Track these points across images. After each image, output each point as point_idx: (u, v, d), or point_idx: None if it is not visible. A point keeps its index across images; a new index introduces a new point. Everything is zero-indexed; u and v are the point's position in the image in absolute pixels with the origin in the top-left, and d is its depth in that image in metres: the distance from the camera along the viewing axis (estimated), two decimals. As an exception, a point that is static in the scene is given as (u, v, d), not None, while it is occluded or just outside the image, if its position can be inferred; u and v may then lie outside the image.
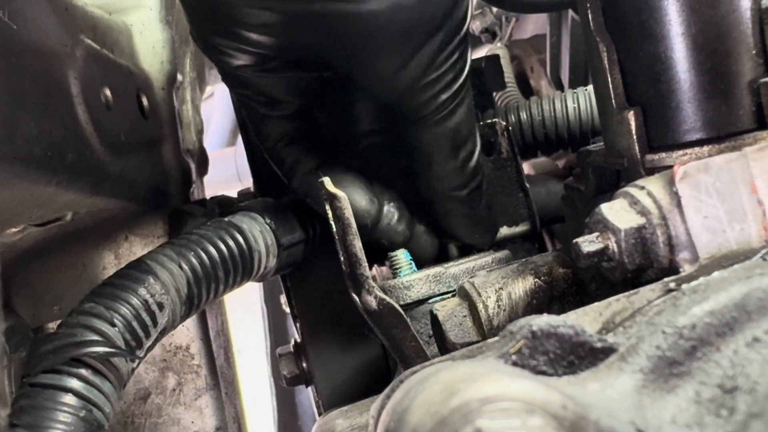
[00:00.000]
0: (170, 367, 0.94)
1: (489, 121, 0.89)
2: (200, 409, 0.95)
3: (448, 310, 0.61)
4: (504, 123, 0.88)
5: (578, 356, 0.31)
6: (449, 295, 0.68)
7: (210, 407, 0.96)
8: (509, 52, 1.65)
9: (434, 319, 0.61)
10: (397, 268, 0.70)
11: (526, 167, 1.26)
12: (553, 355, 0.31)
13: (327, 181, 0.53)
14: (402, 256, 0.70)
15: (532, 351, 0.31)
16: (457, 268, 0.70)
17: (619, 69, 0.46)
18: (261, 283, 2.24)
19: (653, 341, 0.30)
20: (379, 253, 0.95)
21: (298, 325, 1.03)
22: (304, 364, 1.03)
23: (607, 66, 0.46)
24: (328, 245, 0.94)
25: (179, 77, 1.03)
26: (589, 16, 0.47)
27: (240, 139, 2.21)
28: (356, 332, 0.98)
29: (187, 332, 0.95)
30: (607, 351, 0.31)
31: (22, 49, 0.61)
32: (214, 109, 2.19)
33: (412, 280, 0.67)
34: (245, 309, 2.49)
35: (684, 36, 0.43)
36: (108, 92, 0.77)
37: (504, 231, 0.91)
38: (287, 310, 1.46)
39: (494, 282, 0.60)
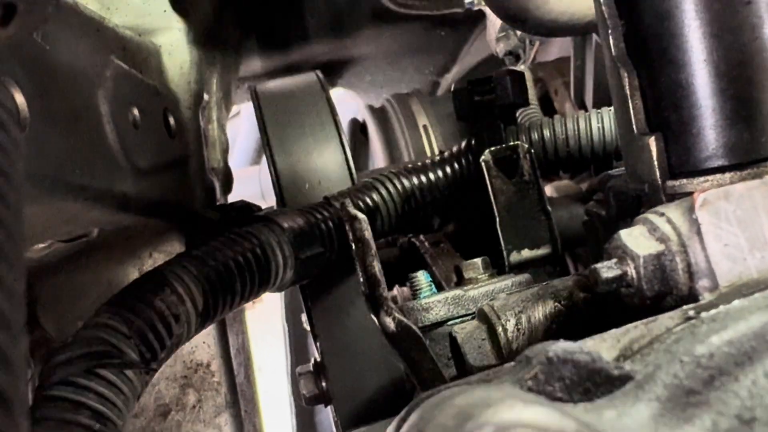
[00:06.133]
0: (191, 384, 0.95)
1: (511, 143, 0.89)
2: (219, 426, 0.96)
3: (467, 332, 0.61)
4: (526, 146, 0.88)
5: (594, 383, 0.31)
6: (468, 317, 0.68)
7: (229, 425, 0.96)
8: (533, 74, 1.65)
9: (453, 341, 0.61)
10: (416, 290, 0.70)
11: (549, 190, 1.26)
12: (569, 381, 0.31)
13: (348, 203, 0.53)
14: (422, 277, 0.70)
15: (548, 377, 0.31)
16: (476, 291, 0.70)
17: (640, 95, 0.46)
18: (283, 302, 2.24)
19: (671, 369, 0.30)
20: (400, 274, 0.95)
21: (317, 344, 1.03)
22: (324, 384, 1.03)
23: (628, 92, 0.46)
24: (349, 263, 0.95)
25: (206, 97, 1.04)
26: (611, 42, 0.47)
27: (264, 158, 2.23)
28: (376, 352, 0.98)
29: (208, 349, 0.96)
30: (624, 379, 0.31)
31: (53, 69, 0.62)
32: (240, 128, 2.22)
33: (431, 302, 0.67)
34: (266, 327, 2.50)
35: (706, 63, 0.43)
36: (136, 111, 0.78)
37: (525, 254, 0.90)
38: (308, 328, 1.45)
39: (514, 305, 0.60)
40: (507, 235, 0.90)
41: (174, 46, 0.94)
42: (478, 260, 0.82)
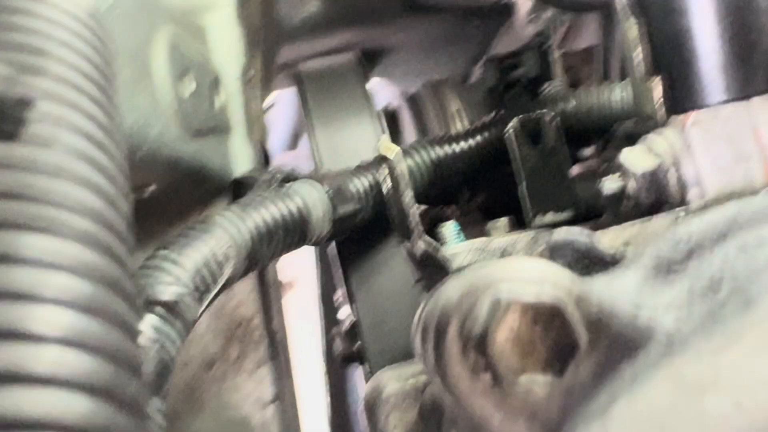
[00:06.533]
0: (234, 338, 1.02)
1: (538, 111, 0.94)
2: (260, 378, 1.02)
3: (490, 271, 0.66)
4: (552, 113, 0.94)
5: (592, 262, 0.36)
6: (493, 263, 0.73)
7: (269, 377, 1.02)
8: (564, 62, 1.70)
9: (478, 279, 0.66)
10: (443, 239, 0.75)
11: (575, 169, 1.30)
12: (570, 260, 0.36)
13: (384, 138, 0.59)
14: (450, 227, 0.76)
15: (552, 255, 0.36)
16: (501, 240, 0.75)
17: (647, 41, 0.52)
18: (319, 285, 2.30)
19: (656, 246, 0.35)
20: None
21: (352, 305, 1.09)
22: (358, 344, 1.09)
23: (636, 39, 0.52)
24: (383, 226, 1.01)
25: (251, 72, 1.11)
26: (620, -6, 0.52)
27: (301, 143, 2.29)
28: (410, 312, 1.04)
29: (250, 306, 1.02)
30: (618, 259, 0.36)
31: (120, 30, 0.69)
32: (276, 117, 2.30)
33: (457, 249, 0.73)
34: (299, 315, 2.56)
35: (705, 8, 0.48)
36: (189, 78, 0.85)
37: (549, 217, 0.95)
38: (340, 315, 1.51)
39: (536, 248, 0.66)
40: (532, 200, 0.95)
41: (223, 22, 1.01)
42: (503, 219, 0.87)
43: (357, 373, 1.89)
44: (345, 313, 1.23)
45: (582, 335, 0.29)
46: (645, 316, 0.31)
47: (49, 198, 0.23)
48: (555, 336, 0.29)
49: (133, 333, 0.23)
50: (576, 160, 1.37)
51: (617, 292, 0.33)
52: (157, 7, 0.79)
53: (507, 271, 0.31)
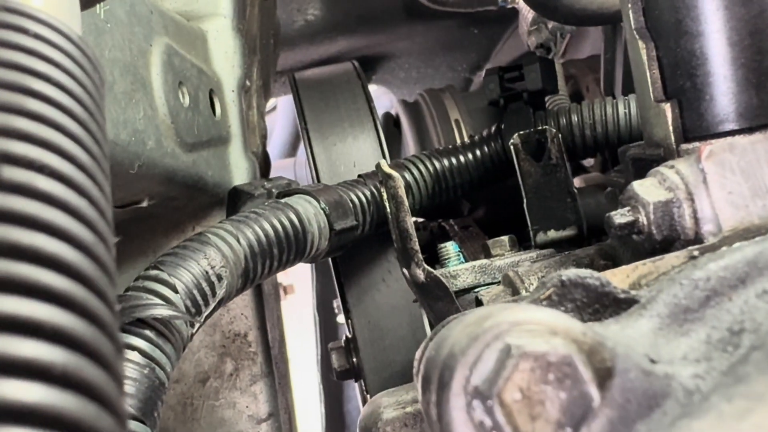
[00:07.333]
0: (228, 353, 1.00)
1: (540, 128, 0.92)
2: (255, 394, 1.00)
3: (492, 295, 0.64)
4: (554, 130, 0.92)
5: (603, 305, 0.34)
6: (494, 285, 0.71)
7: (264, 393, 1.01)
8: (566, 71, 1.68)
9: (479, 304, 0.64)
10: (445, 259, 0.73)
11: (578, 182, 1.29)
12: (579, 303, 0.34)
13: (383, 162, 0.57)
14: (451, 247, 0.74)
15: (561, 298, 0.34)
16: (502, 261, 0.73)
17: (657, 65, 0.50)
18: (314, 293, 2.29)
19: (671, 291, 0.33)
20: (430, 258, 0.99)
21: (349, 320, 1.07)
22: (354, 359, 1.07)
23: (646, 62, 0.50)
24: (380, 241, 0.99)
25: (247, 83, 1.09)
26: (631, 16, 0.50)
27: (300, 150, 2.27)
28: (406, 328, 1.02)
29: (245, 321, 1.00)
30: (630, 302, 0.34)
31: (113, 44, 0.68)
32: (276, 122, 2.28)
33: (459, 270, 0.71)
34: (298, 318, 2.55)
35: (719, 33, 0.47)
36: (185, 89, 0.84)
37: (551, 234, 0.93)
38: (340, 320, 1.48)
39: (537, 271, 0.64)
40: (534, 216, 0.94)
41: (219, 32, 0.99)
42: (505, 238, 0.85)
43: (353, 383, 1.87)
44: (343, 320, 1.21)
45: (594, 394, 0.28)
46: (661, 371, 0.29)
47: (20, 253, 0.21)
48: (566, 396, 0.27)
49: (115, 408, 0.21)
50: (577, 172, 1.36)
51: (631, 342, 0.31)
52: (151, 19, 0.77)
53: (516, 321, 0.29)
